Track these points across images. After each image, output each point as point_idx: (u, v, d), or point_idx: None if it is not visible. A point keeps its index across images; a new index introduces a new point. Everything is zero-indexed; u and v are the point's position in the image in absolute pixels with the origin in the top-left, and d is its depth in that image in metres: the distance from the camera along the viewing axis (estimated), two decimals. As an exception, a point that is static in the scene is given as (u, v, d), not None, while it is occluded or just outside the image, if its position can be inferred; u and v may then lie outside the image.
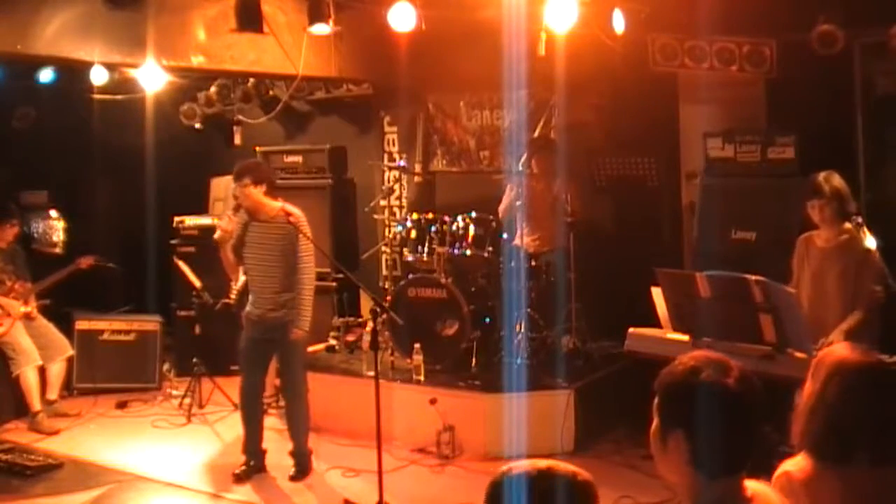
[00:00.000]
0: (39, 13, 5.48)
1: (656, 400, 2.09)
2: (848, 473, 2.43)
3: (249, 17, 6.11)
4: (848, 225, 4.95)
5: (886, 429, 2.49)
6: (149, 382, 8.20)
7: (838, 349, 2.65)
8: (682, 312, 4.90)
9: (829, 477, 2.41)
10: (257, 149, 8.92)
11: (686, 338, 4.84)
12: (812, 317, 4.89)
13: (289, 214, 5.90)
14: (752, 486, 2.06)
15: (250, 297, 6.10)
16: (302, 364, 6.20)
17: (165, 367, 8.44)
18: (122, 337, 8.27)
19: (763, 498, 2.06)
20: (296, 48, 6.77)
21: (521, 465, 1.88)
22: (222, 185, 9.03)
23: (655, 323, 5.09)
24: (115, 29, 5.84)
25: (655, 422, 2.08)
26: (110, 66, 6.97)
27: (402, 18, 6.14)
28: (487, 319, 7.15)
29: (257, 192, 5.90)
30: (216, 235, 6.11)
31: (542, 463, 1.90)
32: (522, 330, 6.77)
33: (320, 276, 7.94)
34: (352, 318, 8.38)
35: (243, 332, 6.14)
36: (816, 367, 2.61)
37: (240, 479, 6.08)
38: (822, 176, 4.99)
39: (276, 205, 5.97)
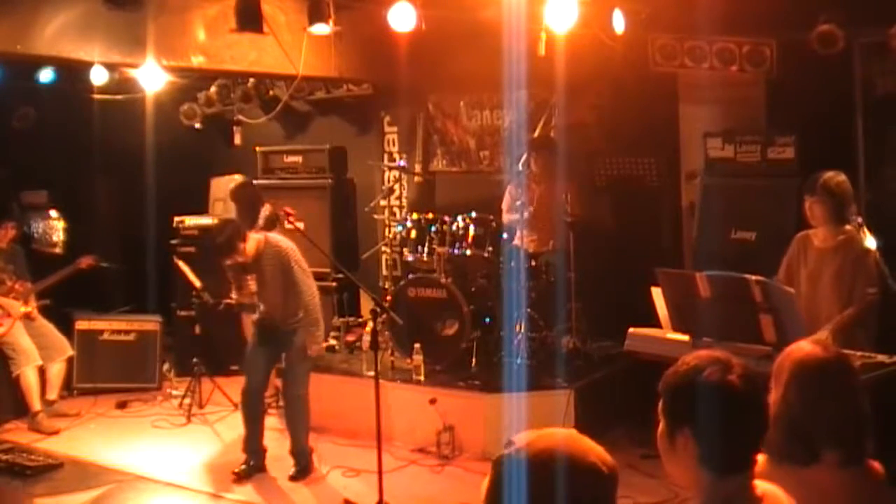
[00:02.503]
0: (39, 13, 5.48)
1: (661, 401, 2.10)
2: (810, 475, 2.41)
3: (249, 17, 6.10)
4: (847, 226, 4.94)
5: (852, 428, 2.47)
6: (149, 382, 8.20)
7: (798, 348, 2.60)
8: (682, 312, 4.90)
9: (790, 481, 2.39)
10: (257, 149, 8.92)
11: (686, 338, 4.84)
12: (807, 316, 4.88)
13: (276, 243, 5.98)
14: (761, 485, 2.07)
15: (259, 308, 6.16)
16: (307, 369, 6.22)
17: (165, 367, 8.44)
18: (122, 337, 8.27)
19: (773, 497, 2.07)
20: (296, 48, 6.77)
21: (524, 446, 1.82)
22: (222, 185, 9.02)
23: (655, 323, 5.08)
24: (115, 29, 5.83)
25: (662, 422, 2.10)
26: (110, 66, 6.97)
27: (402, 18, 6.13)
28: (487, 319, 7.14)
29: (249, 244, 5.92)
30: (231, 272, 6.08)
31: (545, 441, 1.82)
32: (522, 330, 6.77)
33: (321, 276, 7.96)
34: (352, 318, 8.39)
35: (252, 334, 6.21)
36: (778, 370, 2.57)
37: (240, 477, 6.10)
38: (824, 175, 4.97)
39: (259, 238, 6.01)
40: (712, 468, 2.01)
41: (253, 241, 5.98)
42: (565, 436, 1.86)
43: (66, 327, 7.92)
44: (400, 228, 7.62)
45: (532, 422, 6.01)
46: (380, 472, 5.32)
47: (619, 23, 6.23)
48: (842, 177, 5.00)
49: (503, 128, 8.43)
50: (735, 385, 2.00)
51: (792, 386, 2.49)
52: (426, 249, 7.19)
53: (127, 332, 8.29)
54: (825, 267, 4.99)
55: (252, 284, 6.05)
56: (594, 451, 1.84)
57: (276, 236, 6.08)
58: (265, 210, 6.63)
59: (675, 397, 2.07)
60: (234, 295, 6.22)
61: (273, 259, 5.97)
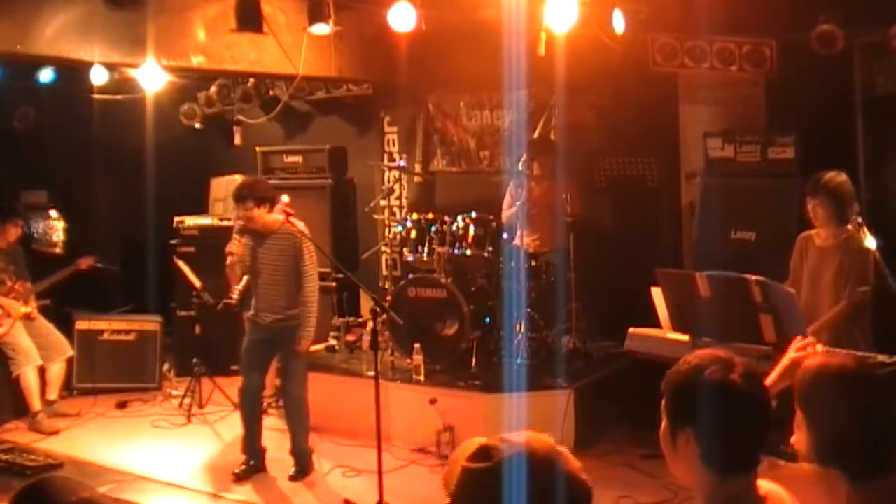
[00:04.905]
0: (39, 13, 5.48)
1: (664, 400, 2.09)
2: (872, 487, 2.37)
3: (249, 17, 6.11)
4: (848, 226, 4.95)
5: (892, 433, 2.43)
6: (149, 382, 8.20)
7: (823, 361, 2.47)
8: (682, 312, 4.90)
9: (852, 492, 2.35)
10: (257, 149, 8.92)
11: (686, 338, 4.83)
12: (809, 315, 4.90)
13: (292, 224, 5.94)
14: (764, 485, 2.06)
15: (254, 304, 6.13)
16: (303, 366, 6.22)
17: (165, 367, 8.44)
18: (122, 337, 8.27)
19: (776, 497, 2.06)
20: (296, 48, 6.77)
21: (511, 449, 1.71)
22: (222, 185, 9.03)
23: (655, 323, 5.08)
24: (115, 29, 5.84)
25: (664, 422, 2.09)
26: (110, 66, 6.97)
27: (402, 18, 6.14)
28: (487, 319, 7.15)
29: (261, 213, 5.91)
30: (228, 262, 6.08)
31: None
32: (522, 330, 6.77)
33: (321, 276, 7.96)
34: (352, 318, 8.38)
35: (246, 333, 6.17)
36: (803, 383, 2.43)
37: (239, 478, 6.09)
38: (826, 175, 4.99)
39: (279, 217, 5.99)
40: (715, 468, 2.00)
41: (271, 217, 5.95)
42: (550, 444, 1.76)
43: (66, 327, 7.92)
44: (400, 228, 7.62)
45: (532, 422, 6.02)
46: (380, 472, 5.32)
47: (619, 23, 6.23)
48: (843, 177, 5.01)
49: (503, 128, 8.43)
50: (737, 384, 1.99)
51: (829, 399, 2.35)
52: (426, 249, 7.19)
53: (127, 332, 8.28)
54: (825, 266, 5.01)
55: (238, 245, 5.98)
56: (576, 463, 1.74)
57: (296, 221, 6.05)
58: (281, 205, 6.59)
59: (677, 396, 2.06)
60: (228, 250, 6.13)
61: (285, 239, 5.93)
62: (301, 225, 6.08)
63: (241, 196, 5.92)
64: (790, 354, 2.73)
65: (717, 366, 2.02)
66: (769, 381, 2.75)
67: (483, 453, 1.70)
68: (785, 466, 2.49)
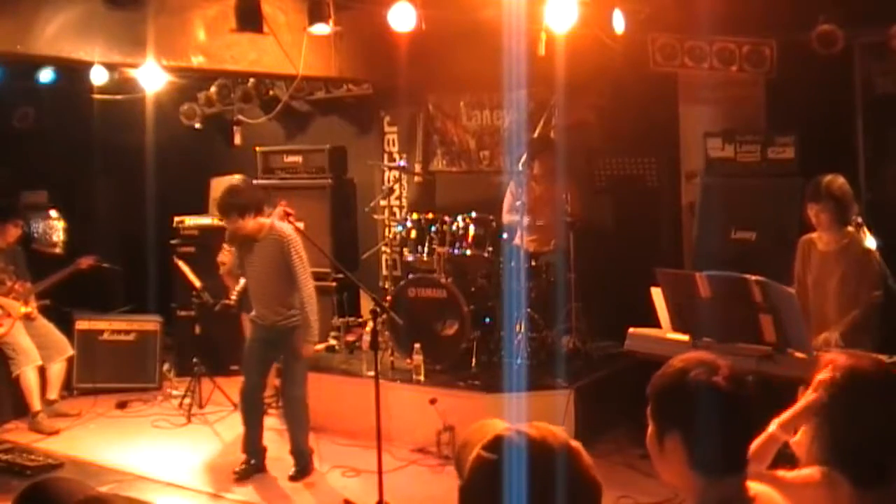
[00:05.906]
0: (39, 13, 5.49)
1: (650, 404, 2.10)
2: (875, 494, 2.36)
3: (249, 17, 6.11)
4: (849, 228, 4.94)
5: None
6: (149, 382, 8.20)
7: (847, 360, 2.53)
8: (682, 312, 4.90)
9: (854, 496, 2.35)
10: (257, 149, 8.92)
11: (686, 338, 4.84)
12: (816, 320, 4.89)
13: (285, 220, 5.97)
14: (754, 486, 2.06)
15: (253, 307, 6.14)
16: (304, 368, 6.21)
17: (165, 367, 8.44)
18: (122, 337, 8.27)
19: (766, 498, 2.06)
20: (296, 48, 6.78)
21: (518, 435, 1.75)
22: (222, 186, 9.00)
23: (655, 323, 5.09)
24: (115, 29, 5.84)
25: (651, 426, 2.10)
26: (110, 66, 6.97)
27: (402, 18, 6.14)
28: (487, 319, 7.14)
29: (247, 222, 5.89)
30: (221, 272, 6.17)
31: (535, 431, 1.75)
32: (522, 330, 6.77)
33: (321, 276, 7.98)
34: (352, 318, 8.38)
35: (249, 333, 6.18)
36: (830, 383, 2.48)
37: (240, 477, 6.10)
38: (825, 180, 4.97)
39: (265, 222, 5.99)
40: (702, 471, 2.01)
41: (257, 222, 5.94)
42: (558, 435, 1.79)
43: (66, 327, 7.92)
44: (400, 228, 7.62)
45: (532, 422, 6.02)
46: (380, 472, 5.32)
47: (619, 23, 6.23)
48: (841, 179, 5.00)
49: (503, 128, 8.43)
50: (720, 386, 2.00)
51: (859, 401, 2.41)
52: (426, 249, 7.19)
53: (127, 332, 8.28)
54: (830, 272, 4.98)
55: (227, 254, 6.04)
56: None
57: (283, 225, 6.04)
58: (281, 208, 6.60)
59: (662, 400, 2.07)
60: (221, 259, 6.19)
61: (272, 245, 5.92)
62: (301, 226, 6.09)
63: (223, 209, 5.92)
64: (807, 396, 2.63)
65: (701, 368, 2.03)
66: (786, 416, 2.70)
67: (498, 443, 1.74)
68: (781, 475, 2.48)
